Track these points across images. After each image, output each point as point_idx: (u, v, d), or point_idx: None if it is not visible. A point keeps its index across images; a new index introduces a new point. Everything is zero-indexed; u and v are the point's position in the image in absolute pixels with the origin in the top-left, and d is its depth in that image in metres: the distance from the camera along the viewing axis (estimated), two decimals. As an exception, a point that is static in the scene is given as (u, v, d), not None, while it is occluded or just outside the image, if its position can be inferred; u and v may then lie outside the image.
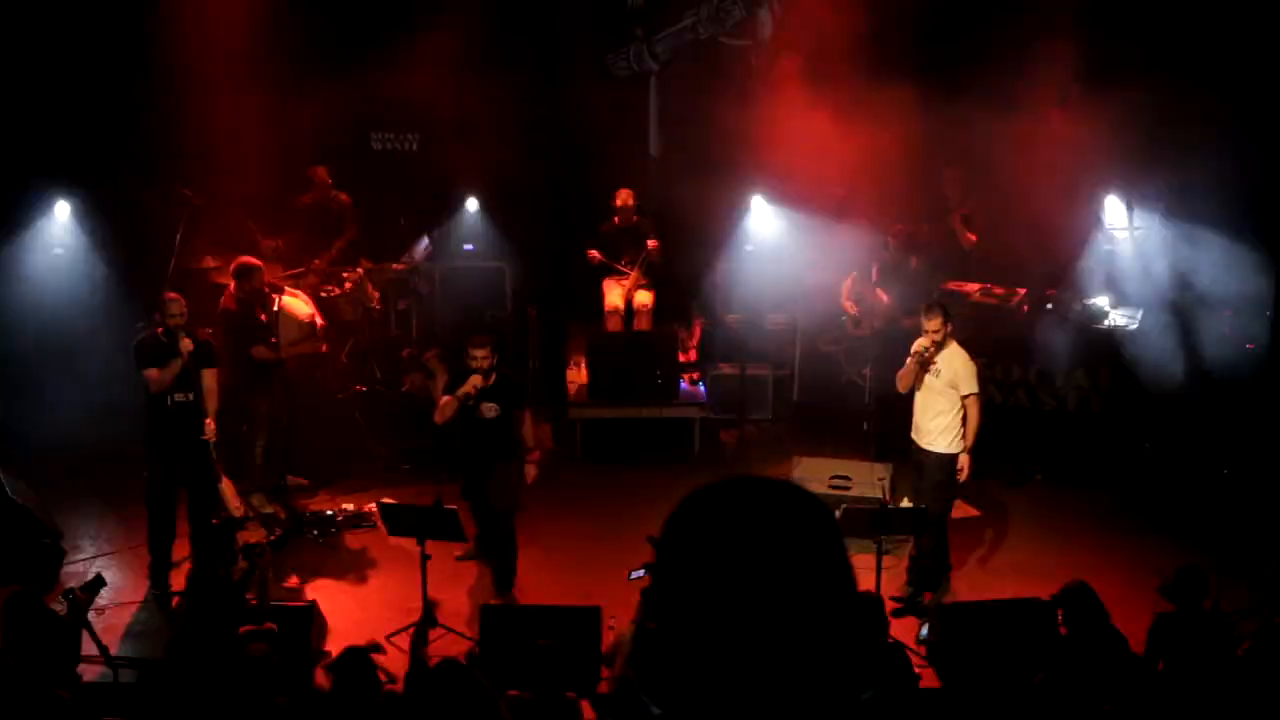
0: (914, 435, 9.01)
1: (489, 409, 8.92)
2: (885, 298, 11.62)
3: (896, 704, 6.43)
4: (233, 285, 10.21)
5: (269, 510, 10.27)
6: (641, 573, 7.69)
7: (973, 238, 11.96)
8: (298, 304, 10.50)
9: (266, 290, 10.27)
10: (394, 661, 8.28)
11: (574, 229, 12.47)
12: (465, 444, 9.14)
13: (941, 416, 8.84)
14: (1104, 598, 9.19)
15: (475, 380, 8.86)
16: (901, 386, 8.99)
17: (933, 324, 8.80)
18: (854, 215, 11.84)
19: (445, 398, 9.05)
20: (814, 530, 1.54)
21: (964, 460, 8.91)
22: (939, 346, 8.81)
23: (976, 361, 8.95)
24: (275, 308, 10.23)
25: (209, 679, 6.66)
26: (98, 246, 11.90)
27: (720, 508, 1.55)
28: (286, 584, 9.12)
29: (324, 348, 10.93)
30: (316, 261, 11.62)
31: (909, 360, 8.87)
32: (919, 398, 8.93)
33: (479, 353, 8.86)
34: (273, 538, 8.77)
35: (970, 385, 8.85)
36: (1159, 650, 6.71)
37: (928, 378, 8.85)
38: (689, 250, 12.44)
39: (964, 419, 8.83)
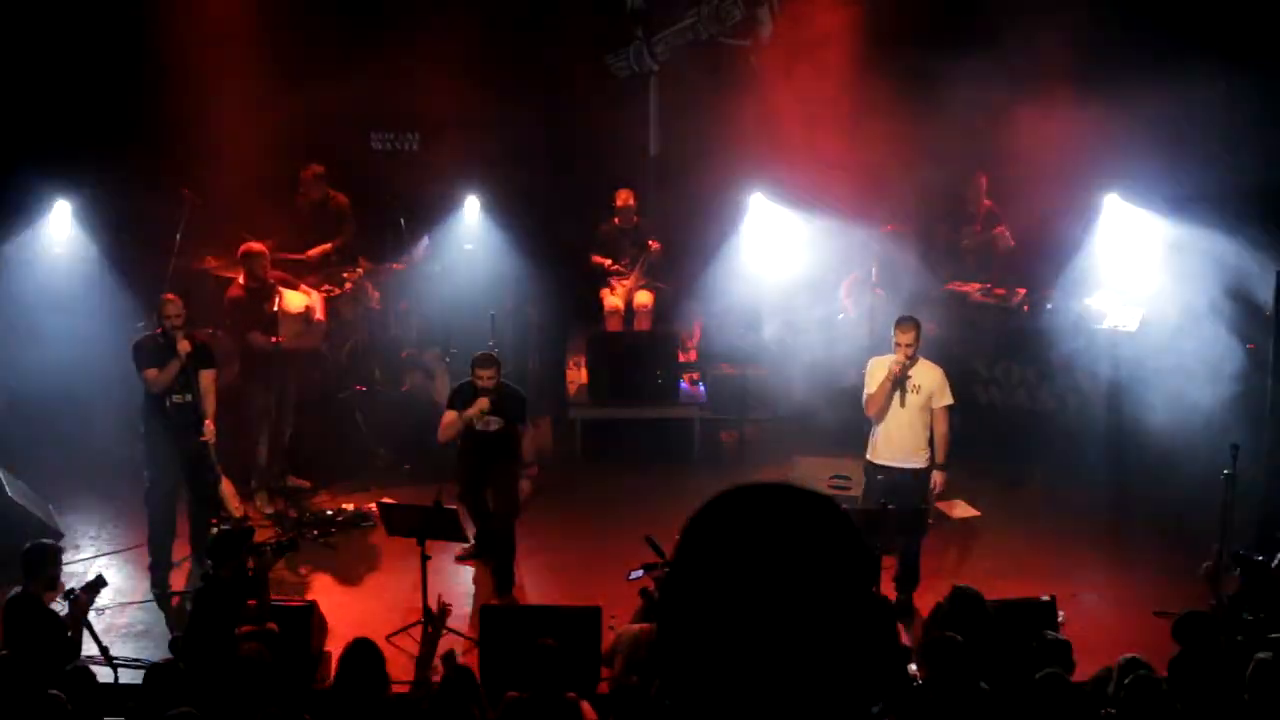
0: (886, 459, 8.80)
1: (493, 422, 9.01)
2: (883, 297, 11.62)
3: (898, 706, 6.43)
4: (243, 274, 10.29)
5: (270, 510, 10.29)
6: (640, 573, 7.70)
7: (1011, 243, 11.97)
8: (295, 298, 10.50)
9: (272, 281, 10.31)
10: (394, 662, 8.29)
11: (574, 229, 12.47)
12: (465, 456, 9.20)
13: (924, 433, 8.74)
14: (1104, 598, 9.23)
15: (483, 403, 8.94)
16: (873, 411, 8.76)
17: (907, 336, 8.65)
18: (854, 214, 11.83)
19: (450, 414, 9.14)
20: (836, 538, 1.53)
21: (939, 477, 8.85)
22: (912, 361, 8.73)
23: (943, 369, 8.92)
24: (277, 304, 10.24)
25: (213, 678, 6.66)
26: (98, 246, 11.89)
27: (742, 513, 1.54)
28: (286, 584, 9.12)
29: (321, 345, 10.92)
30: (310, 252, 11.56)
31: (881, 383, 8.69)
32: (893, 419, 8.75)
33: (484, 373, 9.04)
34: (283, 539, 8.75)
35: (948, 396, 8.79)
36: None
37: (908, 397, 8.73)
38: (689, 250, 12.44)
39: (932, 432, 8.76)
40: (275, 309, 10.18)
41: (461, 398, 9.18)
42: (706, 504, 1.57)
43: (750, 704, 1.47)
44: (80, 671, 6.69)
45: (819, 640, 1.48)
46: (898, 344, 8.71)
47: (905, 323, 8.79)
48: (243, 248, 10.38)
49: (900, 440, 8.80)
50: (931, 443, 8.83)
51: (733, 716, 1.48)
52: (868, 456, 8.95)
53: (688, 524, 1.56)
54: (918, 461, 8.80)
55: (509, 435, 9.17)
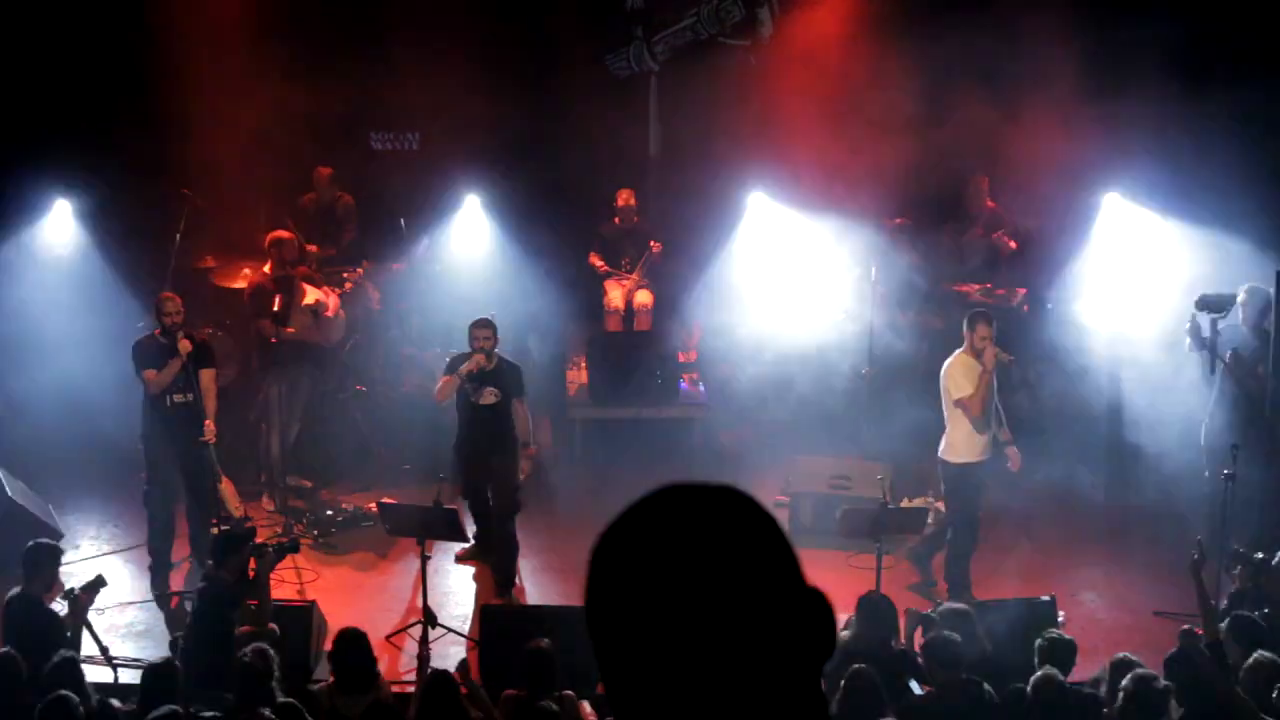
0: (985, 454, 8.90)
1: (489, 394, 8.97)
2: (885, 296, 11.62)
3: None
4: (270, 263, 10.30)
5: (272, 509, 10.27)
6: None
7: (1013, 245, 11.98)
8: (310, 293, 10.50)
9: (295, 274, 10.32)
10: (394, 662, 8.30)
11: (574, 229, 12.47)
12: (463, 432, 9.17)
13: None
14: (1104, 598, 9.24)
15: (479, 359, 8.91)
16: (979, 411, 8.80)
17: (990, 330, 8.76)
18: (854, 214, 11.83)
19: (445, 377, 9.14)
20: (751, 535, 1.48)
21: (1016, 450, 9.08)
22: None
23: None
24: (294, 297, 10.26)
25: (213, 679, 6.67)
26: (98, 246, 11.89)
27: (650, 522, 1.49)
28: (287, 584, 9.12)
29: (327, 343, 10.88)
30: (313, 248, 11.58)
31: (982, 379, 8.74)
32: (986, 413, 8.85)
33: (481, 333, 8.99)
34: (284, 541, 8.73)
35: None
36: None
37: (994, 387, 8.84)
38: (689, 250, 12.44)
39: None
40: (289, 302, 10.18)
41: (458, 365, 9.18)
42: (610, 526, 1.52)
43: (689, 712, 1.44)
44: (64, 663, 6.68)
45: (742, 640, 1.43)
46: (982, 338, 8.73)
47: (984, 319, 8.87)
48: (271, 235, 10.44)
49: (989, 433, 8.90)
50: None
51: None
52: (958, 460, 8.93)
53: (596, 548, 1.52)
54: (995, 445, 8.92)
55: (506, 413, 9.09)
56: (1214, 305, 9.20)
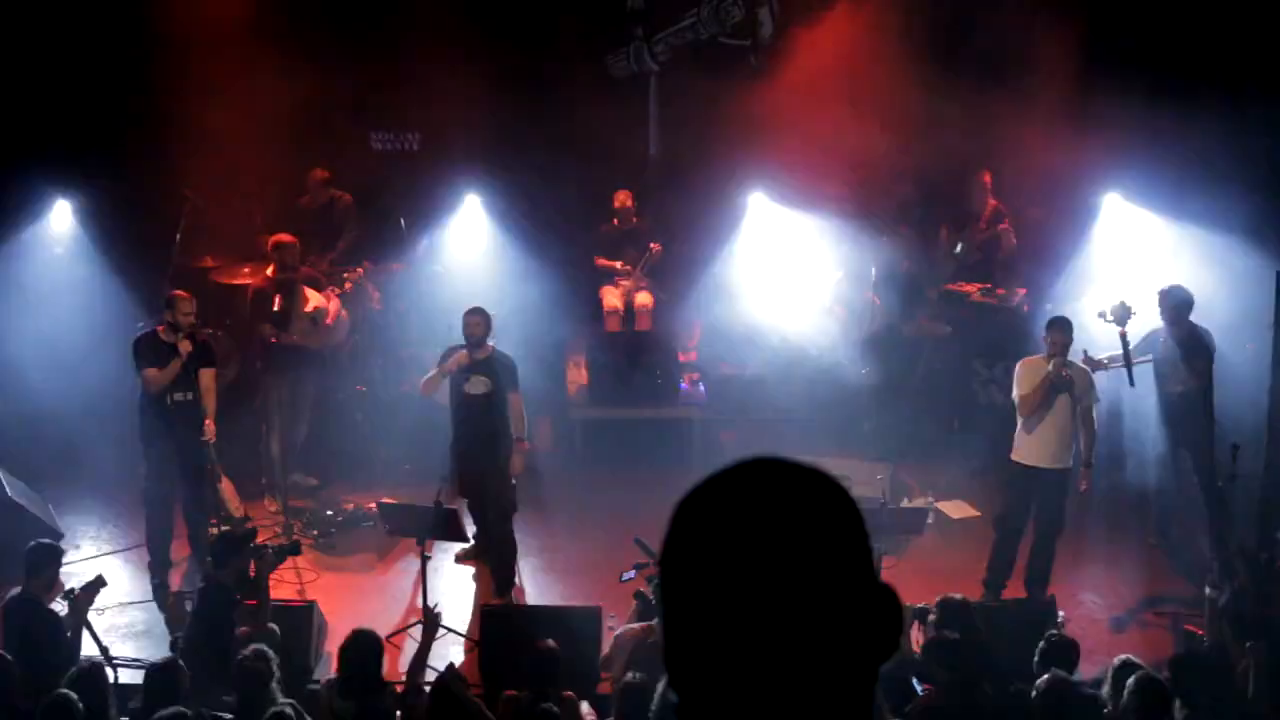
0: (1036, 461, 8.76)
1: (479, 382, 8.93)
2: (877, 301, 11.62)
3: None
4: (273, 267, 10.30)
5: (274, 509, 10.27)
6: (633, 574, 7.72)
7: (1014, 240, 11.98)
8: (311, 297, 10.51)
9: (296, 277, 10.32)
10: (394, 662, 8.30)
11: (574, 229, 12.47)
12: (456, 427, 9.14)
13: (1071, 434, 8.75)
14: (1104, 598, 9.24)
15: (460, 356, 8.88)
16: (1027, 411, 8.69)
17: (1052, 335, 8.66)
18: (854, 214, 11.83)
19: (432, 371, 9.13)
20: (831, 514, 1.49)
21: (1087, 474, 8.88)
22: (1063, 361, 8.68)
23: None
24: (295, 301, 10.25)
25: (213, 679, 6.67)
26: (98, 246, 11.89)
27: (735, 490, 1.50)
28: (286, 584, 9.11)
29: (325, 349, 10.88)
30: (318, 260, 11.61)
31: (1037, 385, 8.63)
32: (1048, 421, 8.70)
33: (470, 320, 8.96)
34: (284, 543, 8.73)
35: (1095, 396, 8.85)
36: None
37: (1061, 399, 8.68)
38: (689, 250, 12.44)
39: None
40: (289, 305, 10.17)
41: (448, 358, 9.17)
42: (697, 487, 1.53)
43: (754, 691, 1.45)
44: (92, 669, 6.68)
45: (820, 621, 1.45)
46: (1052, 343, 8.67)
47: (1054, 323, 8.79)
48: (273, 239, 10.45)
49: (1052, 442, 8.75)
50: (1077, 442, 8.81)
51: (737, 703, 1.46)
52: (1014, 458, 8.91)
53: (679, 507, 1.52)
54: (1065, 462, 8.78)
55: (499, 406, 9.03)
56: (1118, 317, 9.20)
